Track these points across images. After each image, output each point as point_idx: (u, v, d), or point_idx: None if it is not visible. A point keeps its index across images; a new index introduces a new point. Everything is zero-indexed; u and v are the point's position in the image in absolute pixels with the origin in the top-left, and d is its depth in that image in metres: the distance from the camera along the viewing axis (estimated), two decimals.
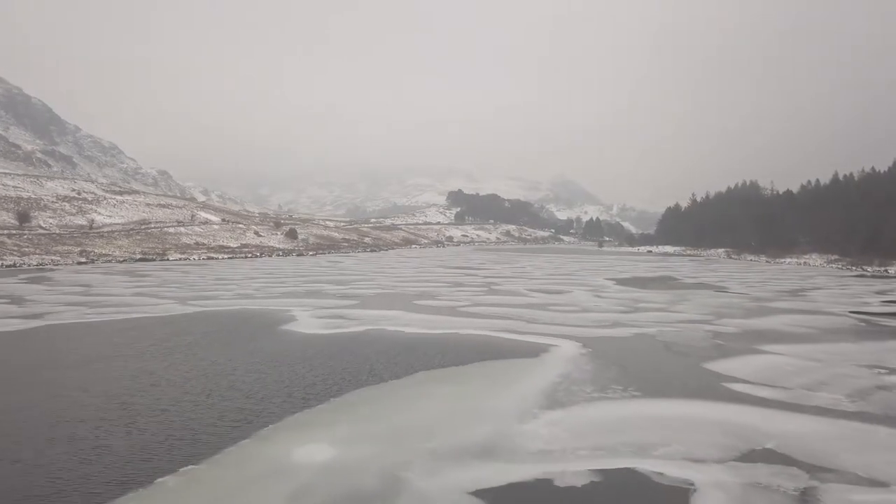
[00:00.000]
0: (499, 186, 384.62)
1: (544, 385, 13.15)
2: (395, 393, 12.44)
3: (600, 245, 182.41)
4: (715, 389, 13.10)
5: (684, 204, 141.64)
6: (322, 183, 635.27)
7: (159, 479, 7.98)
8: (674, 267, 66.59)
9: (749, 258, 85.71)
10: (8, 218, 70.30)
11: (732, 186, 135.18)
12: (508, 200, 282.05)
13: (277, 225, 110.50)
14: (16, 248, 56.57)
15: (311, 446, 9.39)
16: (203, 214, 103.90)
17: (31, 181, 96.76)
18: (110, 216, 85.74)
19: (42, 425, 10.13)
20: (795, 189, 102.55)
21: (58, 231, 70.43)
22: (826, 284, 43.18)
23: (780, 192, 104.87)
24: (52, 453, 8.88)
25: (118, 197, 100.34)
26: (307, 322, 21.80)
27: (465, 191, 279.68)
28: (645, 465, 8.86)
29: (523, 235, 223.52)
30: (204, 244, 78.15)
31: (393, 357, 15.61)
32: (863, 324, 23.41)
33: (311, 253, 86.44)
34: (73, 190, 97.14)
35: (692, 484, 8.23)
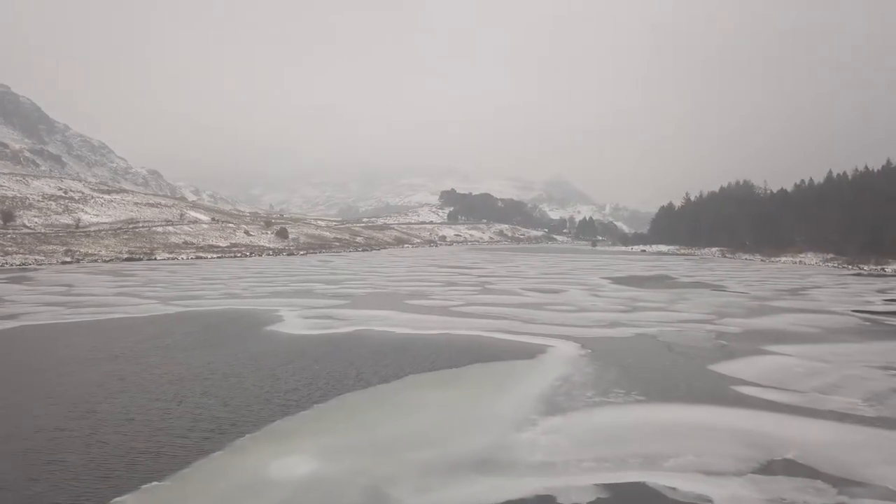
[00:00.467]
0: (492, 186, 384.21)
1: (543, 389, 12.35)
2: (383, 398, 11.60)
3: (594, 244, 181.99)
4: (723, 393, 12.33)
5: (678, 203, 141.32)
6: (315, 183, 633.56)
7: (115, 500, 7.12)
8: (669, 266, 65.96)
9: (744, 257, 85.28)
10: None
11: (726, 186, 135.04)
12: (501, 200, 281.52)
13: (268, 224, 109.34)
14: None
15: (290, 459, 8.55)
16: (192, 213, 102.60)
17: (16, 180, 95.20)
18: (97, 215, 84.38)
19: None
20: (789, 188, 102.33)
21: (43, 230, 69.12)
22: (825, 283, 42.61)
23: (775, 191, 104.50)
24: None
25: (106, 196, 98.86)
26: (294, 322, 20.93)
27: (459, 190, 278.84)
28: (656, 479, 8.07)
29: (516, 235, 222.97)
30: (193, 243, 76.97)
31: (382, 359, 14.76)
32: (868, 323, 22.74)
33: (301, 252, 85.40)
34: (60, 189, 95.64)
35: (710, 500, 7.45)
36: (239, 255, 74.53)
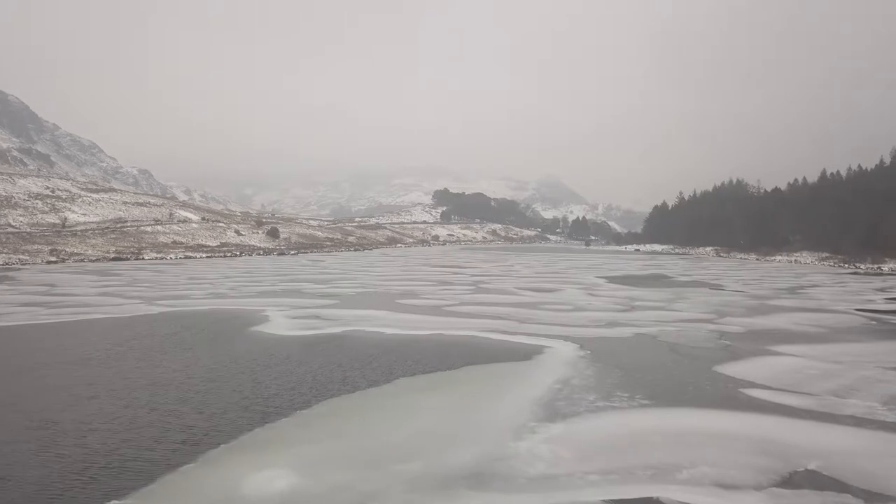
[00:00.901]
0: (486, 186, 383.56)
1: (541, 392, 11.59)
2: (371, 404, 10.80)
3: (587, 244, 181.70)
4: (733, 396, 11.61)
5: (672, 203, 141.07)
6: (307, 183, 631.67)
7: None
8: (664, 265, 65.43)
9: (739, 256, 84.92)
10: None
11: (720, 185, 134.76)
12: (494, 200, 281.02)
13: (259, 224, 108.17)
14: None
15: (267, 472, 7.75)
16: (182, 213, 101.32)
17: (2, 179, 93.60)
18: (85, 214, 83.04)
19: None
20: (782, 188, 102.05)
21: (28, 230, 67.82)
22: (823, 282, 42.08)
23: (769, 191, 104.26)
24: None
25: (94, 195, 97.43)
26: (280, 323, 20.10)
27: (452, 190, 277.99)
28: (669, 494, 7.32)
29: (510, 234, 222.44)
30: (182, 243, 75.82)
31: (371, 362, 13.96)
32: (873, 322, 22.13)
33: (292, 252, 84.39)
34: (48, 188, 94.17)
35: None
36: (229, 254, 73.45)
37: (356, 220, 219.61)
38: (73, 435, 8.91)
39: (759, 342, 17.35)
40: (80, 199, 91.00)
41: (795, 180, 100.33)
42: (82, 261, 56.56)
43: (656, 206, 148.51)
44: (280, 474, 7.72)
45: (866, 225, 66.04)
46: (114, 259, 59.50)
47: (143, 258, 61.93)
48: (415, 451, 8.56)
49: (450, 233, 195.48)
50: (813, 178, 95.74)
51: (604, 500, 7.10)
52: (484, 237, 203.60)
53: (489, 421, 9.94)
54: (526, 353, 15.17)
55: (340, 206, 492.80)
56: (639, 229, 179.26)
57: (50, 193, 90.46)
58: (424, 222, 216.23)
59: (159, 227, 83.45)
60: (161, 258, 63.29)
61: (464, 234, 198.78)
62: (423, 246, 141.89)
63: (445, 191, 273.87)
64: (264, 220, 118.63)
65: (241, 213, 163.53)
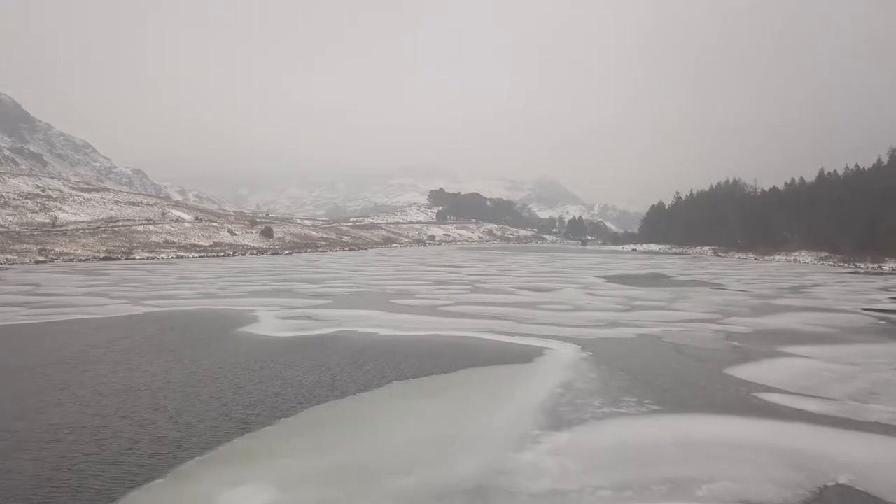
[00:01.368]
0: (481, 186, 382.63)
1: (543, 397, 10.84)
2: (360, 410, 10.03)
3: (584, 244, 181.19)
4: (749, 402, 10.87)
5: (668, 202, 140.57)
6: (303, 183, 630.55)
7: None
8: (663, 264, 64.79)
9: (737, 256, 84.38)
10: None
11: (716, 185, 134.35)
12: (490, 199, 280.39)
13: (253, 223, 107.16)
14: None
15: (245, 488, 7.00)
16: (175, 212, 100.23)
17: None
18: (76, 214, 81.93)
19: None
20: (779, 188, 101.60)
21: (17, 229, 66.71)
22: (825, 281, 41.47)
23: (766, 190, 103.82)
24: None
25: (85, 194, 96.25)
26: (269, 323, 19.30)
27: (448, 190, 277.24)
28: None
29: (506, 234, 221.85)
30: (174, 242, 74.83)
31: (362, 365, 13.18)
32: (882, 322, 21.46)
33: (286, 252, 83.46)
34: (38, 187, 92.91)
35: None
36: (222, 254, 72.51)
37: (351, 219, 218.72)
38: (29, 447, 8.10)
39: (769, 343, 16.64)
40: (71, 199, 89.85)
41: (793, 180, 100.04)
42: (72, 260, 55.57)
43: (653, 206, 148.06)
44: (258, 490, 6.97)
45: (865, 224, 65.59)
46: (104, 259, 58.51)
47: (134, 258, 60.95)
48: (408, 464, 7.81)
49: (446, 233, 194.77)
50: (810, 177, 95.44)
51: None
52: (480, 237, 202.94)
53: (488, 429, 9.19)
54: (525, 355, 14.42)
55: (336, 206, 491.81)
56: (635, 229, 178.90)
57: (41, 193, 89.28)
58: (420, 222, 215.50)
59: (151, 227, 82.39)
60: (152, 258, 62.33)
61: (460, 234, 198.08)
62: (418, 246, 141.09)
63: (441, 191, 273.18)
64: (258, 220, 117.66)
65: (235, 212, 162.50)
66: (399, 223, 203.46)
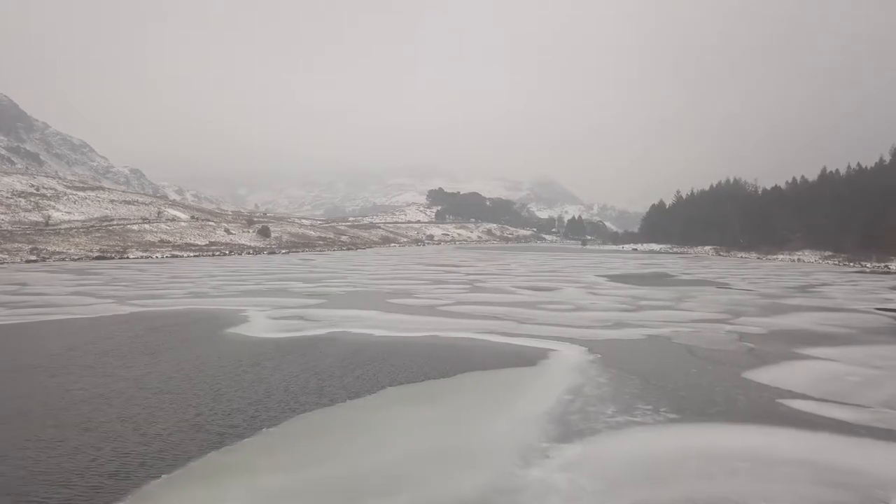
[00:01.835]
0: (480, 186, 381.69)
1: (550, 405, 9.96)
2: (350, 420, 9.14)
3: (584, 243, 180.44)
4: (773, 409, 10.00)
5: (669, 202, 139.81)
6: (302, 183, 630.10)
7: None
8: (664, 264, 63.96)
9: (739, 255, 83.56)
10: None
11: (716, 184, 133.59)
12: (490, 199, 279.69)
13: (250, 223, 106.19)
14: None
15: None
16: (171, 211, 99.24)
17: None
18: (69, 213, 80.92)
19: None
20: (777, 187, 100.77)
21: (9, 228, 65.72)
22: (832, 280, 40.64)
23: (768, 189, 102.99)
24: None
25: (80, 193, 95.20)
26: (260, 324, 18.41)
27: (447, 190, 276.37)
28: None
29: (505, 234, 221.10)
30: (169, 242, 73.85)
31: (354, 368, 12.28)
32: None
33: (283, 251, 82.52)
34: (32, 185, 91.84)
35: None
36: (218, 253, 71.57)
37: (350, 219, 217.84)
38: None
39: (785, 344, 15.78)
40: (65, 198, 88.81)
41: (794, 179, 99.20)
42: (64, 260, 54.62)
43: (653, 205, 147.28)
44: None
45: (868, 223, 64.81)
46: (97, 258, 57.57)
47: (127, 257, 60.01)
48: (401, 481, 6.94)
49: (444, 232, 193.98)
50: (810, 176, 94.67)
51: None
52: (479, 237, 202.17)
53: (491, 441, 8.31)
54: (529, 358, 13.54)
55: (335, 206, 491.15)
56: (634, 229, 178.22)
57: (34, 191, 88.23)
58: (419, 222, 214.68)
59: (146, 226, 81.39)
60: (147, 257, 61.38)
61: (459, 234, 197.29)
62: (417, 245, 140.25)
63: (440, 190, 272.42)
64: (255, 219, 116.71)
65: (232, 212, 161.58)
66: (398, 223, 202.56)
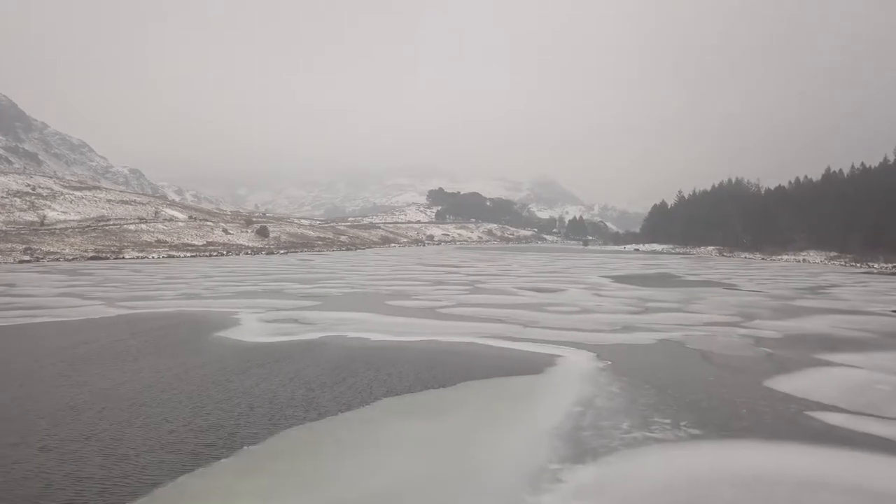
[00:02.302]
0: (480, 186, 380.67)
1: (560, 418, 9.11)
2: (341, 437, 8.28)
3: (585, 244, 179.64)
4: (803, 423, 9.16)
5: (671, 202, 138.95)
6: (302, 183, 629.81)
7: None
8: (668, 264, 63.11)
9: (743, 255, 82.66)
10: None
11: (717, 184, 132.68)
12: (490, 199, 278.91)
13: (248, 223, 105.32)
14: None
15: None
16: (168, 211, 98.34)
17: None
18: (65, 212, 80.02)
19: None
20: (775, 187, 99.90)
21: (3, 228, 64.83)
22: (841, 282, 39.78)
23: (771, 189, 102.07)
24: None
25: (76, 193, 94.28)
26: (251, 327, 17.57)
27: (447, 190, 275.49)
28: None
29: (505, 234, 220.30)
30: (166, 242, 72.98)
31: (347, 377, 11.43)
32: None
33: (282, 251, 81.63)
34: (28, 185, 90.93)
35: None
36: (215, 254, 70.69)
37: (349, 219, 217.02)
38: None
39: (804, 349, 14.93)
40: (61, 197, 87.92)
41: (797, 178, 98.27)
42: (58, 260, 53.77)
43: (655, 205, 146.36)
44: None
45: (874, 223, 63.94)
46: (92, 258, 56.72)
47: (123, 257, 59.15)
48: None
49: (445, 232, 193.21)
50: (812, 176, 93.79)
51: None
52: (479, 237, 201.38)
53: (496, 462, 7.46)
54: (534, 365, 12.69)
55: (335, 206, 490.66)
56: (635, 230, 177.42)
57: (30, 191, 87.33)
58: (419, 222, 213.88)
59: (143, 226, 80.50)
60: (143, 257, 60.52)
61: (459, 234, 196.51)
62: (417, 246, 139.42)
63: (440, 190, 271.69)
64: (254, 220, 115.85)
65: (231, 212, 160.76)
66: (398, 223, 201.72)
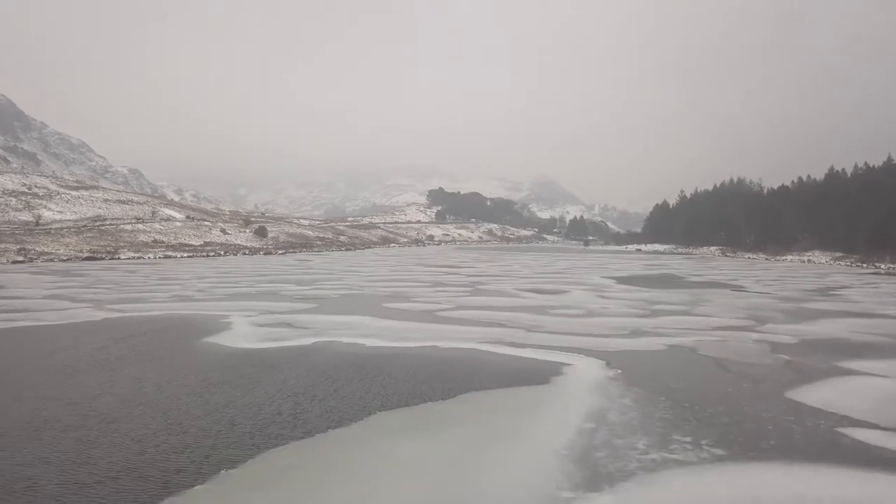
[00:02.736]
0: (480, 186, 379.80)
1: (570, 436, 8.32)
2: (328, 459, 7.47)
3: (586, 244, 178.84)
4: (836, 442, 8.36)
5: (670, 201, 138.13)
6: (302, 183, 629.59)
7: None
8: (671, 265, 62.31)
9: (746, 256, 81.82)
10: None
11: (719, 184, 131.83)
12: (490, 199, 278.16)
13: (247, 223, 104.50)
14: None
15: None
16: (166, 211, 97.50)
17: None
18: (61, 212, 79.21)
19: None
20: (778, 187, 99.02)
21: None
22: (850, 283, 38.97)
23: (775, 188, 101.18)
24: None
25: (73, 192, 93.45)
26: (242, 332, 16.76)
27: (447, 190, 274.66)
28: None
29: (506, 234, 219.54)
30: (163, 242, 72.17)
31: (339, 388, 10.62)
32: None
33: (280, 251, 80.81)
34: (24, 185, 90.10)
35: None
36: (212, 254, 69.88)
37: (349, 219, 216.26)
38: None
39: (823, 356, 14.13)
40: (57, 197, 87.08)
41: (800, 178, 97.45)
42: (52, 260, 52.96)
43: (657, 205, 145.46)
44: None
45: (879, 223, 63.12)
46: (87, 258, 55.91)
47: (118, 258, 58.34)
48: None
49: (445, 232, 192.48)
50: (813, 176, 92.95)
51: None
52: (480, 237, 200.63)
53: (501, 488, 6.67)
54: (540, 374, 11.89)
55: (335, 206, 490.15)
56: (636, 230, 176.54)
57: (26, 191, 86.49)
58: (419, 222, 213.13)
59: (140, 226, 79.67)
60: (138, 258, 59.71)
61: (459, 234, 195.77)
62: (417, 246, 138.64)
63: (440, 190, 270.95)
64: (253, 219, 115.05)
65: (229, 212, 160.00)
66: (398, 223, 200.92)
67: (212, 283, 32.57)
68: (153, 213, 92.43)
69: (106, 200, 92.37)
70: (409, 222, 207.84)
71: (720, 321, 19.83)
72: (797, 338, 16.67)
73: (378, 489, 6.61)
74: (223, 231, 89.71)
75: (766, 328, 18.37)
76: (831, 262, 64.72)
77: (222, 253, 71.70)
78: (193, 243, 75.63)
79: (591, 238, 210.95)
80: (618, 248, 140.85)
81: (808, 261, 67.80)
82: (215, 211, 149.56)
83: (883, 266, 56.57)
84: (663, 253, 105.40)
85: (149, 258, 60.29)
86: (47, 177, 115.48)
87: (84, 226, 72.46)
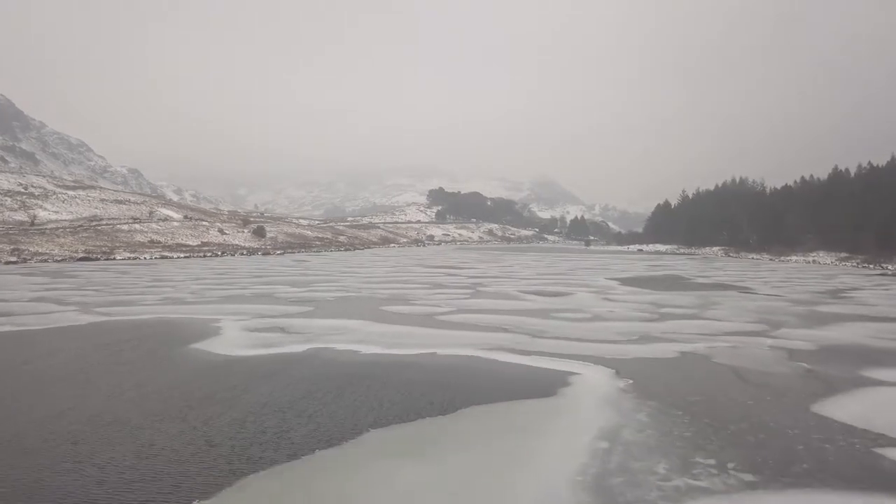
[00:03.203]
0: (481, 186, 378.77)
1: (582, 459, 7.54)
2: (314, 487, 6.68)
3: (587, 244, 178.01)
4: (874, 465, 7.59)
5: (672, 202, 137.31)
6: (301, 183, 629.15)
7: None
8: (675, 266, 61.47)
9: (750, 256, 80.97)
10: None
11: (721, 184, 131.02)
12: (491, 199, 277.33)
13: (245, 222, 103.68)
14: None
15: None
16: (163, 211, 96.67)
17: None
18: (57, 212, 78.37)
19: None
20: (780, 187, 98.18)
21: None
22: (860, 285, 38.17)
23: (777, 188, 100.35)
24: None
25: (70, 192, 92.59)
26: (231, 337, 15.96)
27: (447, 190, 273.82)
28: None
29: (507, 234, 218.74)
30: (160, 242, 71.36)
31: (330, 401, 9.83)
32: None
33: (278, 252, 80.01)
34: (20, 184, 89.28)
35: None
36: (209, 254, 69.07)
37: (349, 219, 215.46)
38: None
39: (845, 364, 13.33)
40: (53, 197, 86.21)
41: (803, 178, 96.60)
42: (46, 261, 52.15)
43: (659, 205, 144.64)
44: None
45: (885, 223, 62.32)
46: (81, 259, 55.10)
47: (114, 258, 57.52)
48: None
49: (445, 233, 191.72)
50: (814, 175, 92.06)
51: None
52: (480, 237, 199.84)
53: None
54: (547, 385, 11.10)
55: (335, 206, 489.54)
56: (636, 229, 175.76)
57: (22, 190, 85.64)
58: (419, 222, 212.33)
59: (136, 226, 78.83)
60: (134, 258, 58.90)
61: (459, 234, 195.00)
62: (417, 246, 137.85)
63: (440, 190, 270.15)
64: (251, 219, 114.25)
65: (228, 211, 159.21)
66: (398, 223, 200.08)
67: (205, 285, 31.77)
68: (150, 213, 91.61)
69: (103, 200, 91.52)
70: (409, 222, 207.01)
71: (732, 325, 19.05)
72: (815, 344, 15.88)
73: None
74: (221, 231, 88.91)
75: (781, 333, 17.58)
76: (837, 262, 63.88)
77: (219, 253, 70.92)
78: (190, 243, 74.83)
79: (592, 238, 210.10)
80: (619, 248, 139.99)
81: (814, 261, 66.98)
82: (213, 211, 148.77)
83: (890, 267, 55.77)
84: (665, 253, 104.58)
85: (145, 259, 59.49)
86: (44, 176, 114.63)
87: (80, 226, 71.64)
